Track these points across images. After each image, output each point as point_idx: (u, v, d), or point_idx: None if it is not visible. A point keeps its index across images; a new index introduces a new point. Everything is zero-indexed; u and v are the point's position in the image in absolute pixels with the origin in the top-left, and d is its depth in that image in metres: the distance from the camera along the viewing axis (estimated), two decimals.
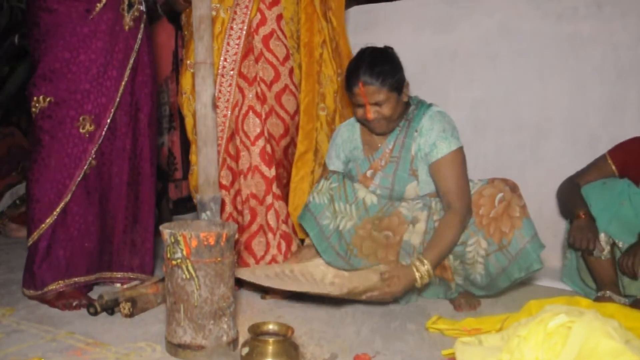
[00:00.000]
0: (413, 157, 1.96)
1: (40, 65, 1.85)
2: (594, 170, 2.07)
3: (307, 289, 1.82)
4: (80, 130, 1.88)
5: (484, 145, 2.65)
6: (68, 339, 1.55)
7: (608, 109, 2.43)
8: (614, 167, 2.03)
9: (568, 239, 1.98)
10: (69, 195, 1.87)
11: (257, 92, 2.07)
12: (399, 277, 1.80)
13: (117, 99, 1.93)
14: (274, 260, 2.03)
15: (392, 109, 1.91)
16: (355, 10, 2.93)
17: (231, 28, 2.06)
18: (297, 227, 2.13)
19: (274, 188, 2.04)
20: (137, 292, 1.82)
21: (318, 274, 1.92)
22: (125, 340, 1.55)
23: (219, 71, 2.05)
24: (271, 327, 1.30)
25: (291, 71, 2.14)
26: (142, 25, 2.00)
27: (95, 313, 1.75)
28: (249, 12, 2.05)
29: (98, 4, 1.87)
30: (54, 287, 1.86)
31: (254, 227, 2.04)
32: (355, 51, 2.01)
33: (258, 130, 2.05)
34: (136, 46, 1.97)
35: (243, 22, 2.06)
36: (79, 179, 1.88)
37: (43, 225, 1.86)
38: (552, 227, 2.45)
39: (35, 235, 1.87)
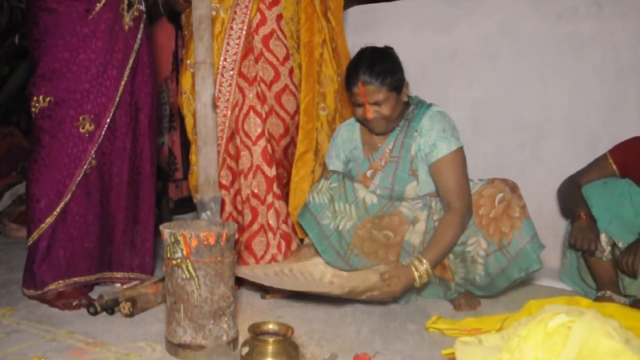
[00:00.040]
0: (413, 157, 1.96)
1: (40, 65, 1.85)
2: (595, 169, 2.07)
3: (307, 288, 1.82)
4: (80, 130, 1.88)
5: (484, 145, 2.65)
6: (68, 338, 1.55)
7: (608, 109, 2.43)
8: (614, 167, 2.03)
9: (569, 240, 1.97)
10: (69, 195, 1.87)
11: (257, 92, 2.07)
12: (398, 277, 1.80)
13: (117, 99, 1.93)
14: (273, 259, 2.03)
15: (391, 109, 1.91)
16: (355, 10, 2.93)
17: (231, 28, 2.06)
18: (297, 227, 2.13)
19: (275, 188, 2.04)
20: (137, 292, 1.82)
21: (317, 273, 1.92)
22: (125, 340, 1.55)
23: (219, 71, 2.05)
24: (271, 326, 1.30)
25: (291, 71, 2.14)
26: (142, 25, 2.00)
27: (95, 313, 1.75)
28: (248, 12, 2.05)
29: (98, 4, 1.87)
30: (54, 287, 1.86)
31: (255, 226, 2.04)
32: (354, 51, 2.01)
33: (259, 130, 2.05)
34: (136, 46, 1.97)
35: (243, 22, 2.06)
36: (78, 178, 1.88)
37: (43, 225, 1.86)
38: (552, 227, 2.46)
39: (35, 235, 1.87)
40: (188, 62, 2.11)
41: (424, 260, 1.79)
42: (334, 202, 1.98)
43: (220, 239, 1.44)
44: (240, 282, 2.11)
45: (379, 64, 1.89)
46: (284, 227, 2.05)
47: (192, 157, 2.15)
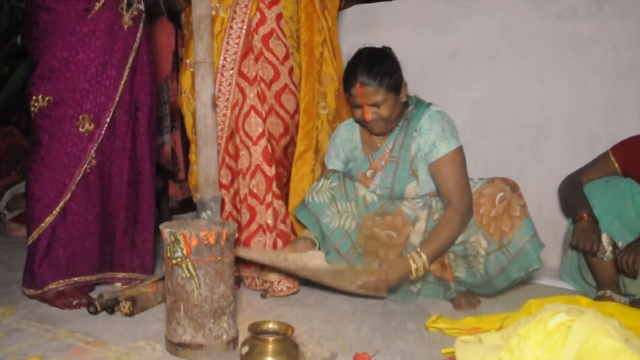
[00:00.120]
0: (413, 157, 1.96)
1: (39, 65, 1.85)
2: (597, 168, 2.06)
3: (301, 273, 1.83)
4: (80, 130, 1.88)
5: (484, 145, 2.65)
6: (68, 338, 1.55)
7: (608, 109, 2.43)
8: (616, 165, 2.02)
9: (571, 240, 1.96)
10: (69, 195, 1.87)
11: (257, 92, 2.07)
12: (395, 267, 1.80)
13: (117, 98, 1.93)
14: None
15: (390, 110, 1.91)
16: (355, 9, 2.93)
17: (231, 27, 2.05)
18: (297, 227, 2.13)
19: (274, 187, 2.04)
20: (137, 291, 1.82)
21: (311, 266, 1.92)
22: (125, 339, 1.55)
23: (219, 70, 2.05)
24: (271, 325, 1.29)
25: (291, 70, 2.14)
26: (141, 25, 2.00)
27: (95, 312, 1.75)
28: (248, 12, 2.05)
29: (97, 3, 1.87)
30: (54, 286, 1.86)
31: (254, 226, 2.04)
32: (353, 51, 2.01)
33: (260, 129, 2.05)
34: (135, 45, 1.97)
35: (243, 21, 2.06)
36: (78, 178, 1.88)
37: (43, 224, 1.86)
38: (552, 227, 2.46)
39: (35, 235, 1.87)
40: (188, 61, 2.10)
41: (422, 254, 1.80)
42: (335, 202, 1.98)
43: (220, 238, 1.44)
44: (239, 281, 2.11)
45: (377, 65, 1.88)
46: (282, 226, 2.05)
47: (192, 157, 2.15)
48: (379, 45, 2.00)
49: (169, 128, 3.04)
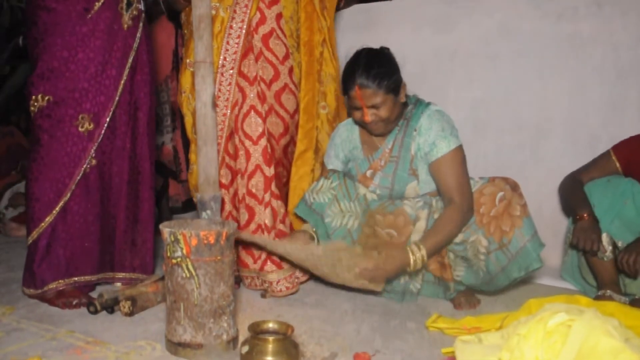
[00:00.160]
0: (413, 156, 1.96)
1: (38, 64, 1.85)
2: (598, 167, 2.05)
3: (299, 262, 1.85)
4: (80, 129, 1.88)
5: (484, 145, 2.65)
6: (68, 337, 1.55)
7: (608, 109, 2.43)
8: (618, 165, 2.02)
9: (572, 240, 1.96)
10: (69, 194, 1.87)
11: (257, 92, 2.07)
12: (393, 257, 1.80)
13: (117, 98, 1.93)
14: (269, 259, 2.02)
15: (389, 111, 1.90)
16: (355, 9, 2.92)
17: (231, 27, 2.05)
18: (296, 226, 2.13)
19: (273, 187, 2.04)
20: (137, 291, 1.82)
21: (310, 250, 1.92)
22: (125, 339, 1.55)
23: (219, 70, 2.05)
24: (271, 325, 1.30)
25: (291, 70, 2.14)
26: (141, 24, 2.00)
27: (95, 312, 1.75)
28: (248, 11, 2.05)
29: (96, 3, 1.87)
30: (54, 286, 1.86)
31: (252, 226, 2.04)
32: (352, 51, 2.01)
33: (260, 129, 2.05)
34: (135, 45, 1.97)
35: (242, 21, 2.06)
36: (78, 177, 1.88)
37: (42, 224, 1.85)
38: (552, 227, 2.45)
39: (34, 234, 1.87)
40: (188, 61, 2.10)
41: (422, 247, 1.79)
42: (338, 202, 1.99)
43: (220, 237, 1.44)
44: (240, 281, 2.11)
45: (376, 67, 1.88)
46: (280, 226, 2.05)
47: (192, 156, 2.15)
48: (378, 45, 2.00)
49: (169, 128, 3.04)
